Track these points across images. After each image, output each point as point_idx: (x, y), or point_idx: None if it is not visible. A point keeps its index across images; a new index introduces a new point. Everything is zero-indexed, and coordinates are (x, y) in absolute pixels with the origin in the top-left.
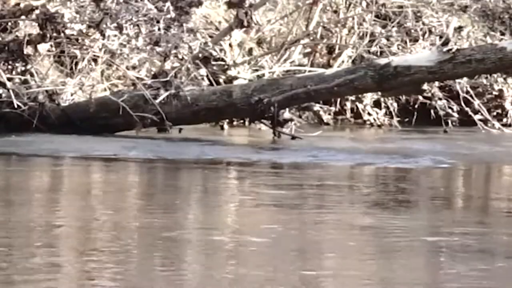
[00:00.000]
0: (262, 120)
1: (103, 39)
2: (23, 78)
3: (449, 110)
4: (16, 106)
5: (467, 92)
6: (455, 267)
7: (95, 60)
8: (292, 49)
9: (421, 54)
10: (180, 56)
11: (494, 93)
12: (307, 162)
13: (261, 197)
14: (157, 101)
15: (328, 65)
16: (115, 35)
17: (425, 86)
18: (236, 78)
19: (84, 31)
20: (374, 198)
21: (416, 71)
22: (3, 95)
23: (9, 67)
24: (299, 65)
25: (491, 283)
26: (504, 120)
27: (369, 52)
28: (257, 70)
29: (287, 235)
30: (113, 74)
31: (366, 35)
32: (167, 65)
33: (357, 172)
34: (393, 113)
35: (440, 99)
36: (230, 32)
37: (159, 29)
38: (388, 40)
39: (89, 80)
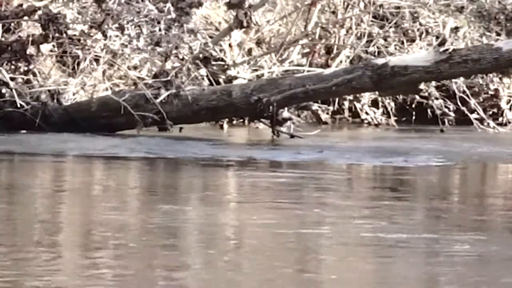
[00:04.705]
0: (261, 119)
1: (104, 40)
2: (25, 78)
3: (446, 110)
4: (19, 105)
5: (464, 92)
6: (453, 267)
7: (97, 60)
8: (291, 49)
9: (418, 54)
10: (180, 56)
11: (490, 92)
12: (305, 160)
13: (261, 195)
14: (158, 100)
15: (326, 65)
16: (117, 36)
17: (422, 86)
18: (235, 78)
19: (86, 31)
20: (371, 196)
21: (413, 71)
22: (6, 94)
23: (12, 67)
24: (298, 65)
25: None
26: (500, 119)
27: (366, 52)
28: (256, 70)
29: (286, 234)
30: (115, 74)
31: (364, 35)
32: (168, 65)
33: (355, 171)
34: (391, 113)
35: (436, 98)
36: (229, 33)
37: (160, 29)
38: (385, 40)
39: (91, 79)
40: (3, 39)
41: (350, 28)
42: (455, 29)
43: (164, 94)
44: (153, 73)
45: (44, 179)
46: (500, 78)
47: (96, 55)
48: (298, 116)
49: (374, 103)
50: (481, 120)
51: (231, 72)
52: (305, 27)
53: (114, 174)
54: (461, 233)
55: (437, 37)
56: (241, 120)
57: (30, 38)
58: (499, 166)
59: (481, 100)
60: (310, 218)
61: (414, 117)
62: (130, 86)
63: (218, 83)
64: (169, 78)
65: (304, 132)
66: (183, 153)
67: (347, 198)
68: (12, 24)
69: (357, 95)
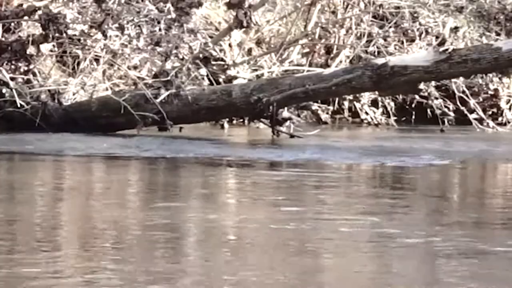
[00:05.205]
0: (261, 119)
1: (104, 40)
2: (26, 77)
3: (445, 109)
4: (19, 105)
5: (463, 92)
6: (452, 267)
7: (97, 60)
8: (291, 49)
9: (418, 54)
10: (180, 56)
11: (490, 92)
12: (305, 160)
13: (260, 193)
14: (158, 100)
15: (326, 65)
16: (117, 36)
17: (422, 86)
18: (235, 77)
19: (86, 31)
20: (371, 196)
21: (412, 71)
22: (6, 94)
23: (12, 66)
24: (298, 65)
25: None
26: (500, 119)
27: (366, 52)
28: (256, 70)
29: (286, 234)
30: (115, 74)
31: (364, 35)
32: (168, 65)
33: (355, 170)
34: (390, 112)
35: (436, 98)
36: (229, 33)
37: (160, 29)
38: (385, 40)
39: (91, 79)
40: (3, 39)
41: (350, 28)
42: (455, 29)
43: (164, 94)
44: (153, 73)
45: (45, 179)
46: (500, 78)
47: (96, 55)
48: (298, 116)
49: (374, 103)
50: (480, 120)
51: (231, 72)
52: (305, 27)
53: (114, 173)
54: (460, 231)
55: (437, 37)
56: (241, 120)
57: (30, 38)
58: (498, 165)
59: (481, 100)
60: (310, 216)
61: (413, 117)
62: (130, 86)
63: (218, 83)
64: (169, 78)
65: (304, 132)
66: (183, 152)
67: (347, 196)
68: (12, 24)
69: (357, 95)
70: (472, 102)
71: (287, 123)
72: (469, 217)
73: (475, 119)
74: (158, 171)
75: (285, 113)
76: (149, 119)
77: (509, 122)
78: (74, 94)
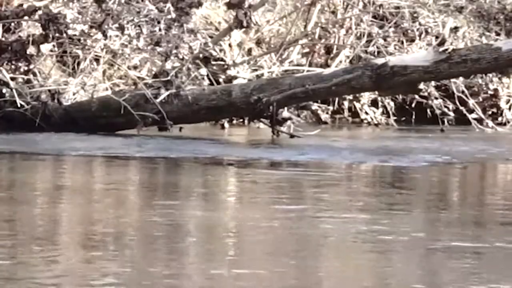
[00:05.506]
0: (261, 119)
1: (105, 39)
2: (26, 77)
3: (445, 109)
4: (19, 105)
5: (463, 92)
6: (450, 265)
7: (97, 60)
8: (291, 49)
9: (418, 54)
10: (180, 56)
11: (490, 92)
12: (305, 160)
13: (260, 193)
14: (158, 100)
15: (326, 65)
16: (117, 36)
17: (422, 86)
18: (235, 77)
19: (86, 31)
20: (371, 195)
21: (412, 71)
22: (7, 94)
23: (12, 66)
24: (298, 65)
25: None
26: (499, 119)
27: (366, 52)
28: (256, 70)
29: (285, 234)
30: (115, 73)
31: (364, 35)
32: (168, 65)
33: (355, 170)
34: (390, 112)
35: (436, 98)
36: (229, 33)
37: (160, 29)
38: (385, 40)
39: (91, 79)
40: (3, 39)
41: (350, 28)
42: (455, 29)
43: (164, 94)
44: (153, 73)
45: (45, 178)
46: (500, 78)
47: (96, 55)
48: (298, 116)
49: (374, 103)
50: (480, 120)
51: (231, 72)
52: (305, 27)
53: (114, 173)
54: (459, 229)
55: (437, 37)
56: (241, 120)
57: (30, 38)
58: (498, 165)
59: (481, 100)
60: (309, 214)
61: (413, 117)
62: (130, 86)
63: (218, 83)
64: (169, 78)
65: (304, 132)
66: (183, 152)
67: (346, 196)
68: (12, 24)
69: (357, 95)
70: (471, 102)
71: (287, 123)
72: (468, 215)
73: (474, 119)
74: (158, 171)
75: (285, 113)
76: (149, 119)
77: (508, 122)
78: (74, 94)
